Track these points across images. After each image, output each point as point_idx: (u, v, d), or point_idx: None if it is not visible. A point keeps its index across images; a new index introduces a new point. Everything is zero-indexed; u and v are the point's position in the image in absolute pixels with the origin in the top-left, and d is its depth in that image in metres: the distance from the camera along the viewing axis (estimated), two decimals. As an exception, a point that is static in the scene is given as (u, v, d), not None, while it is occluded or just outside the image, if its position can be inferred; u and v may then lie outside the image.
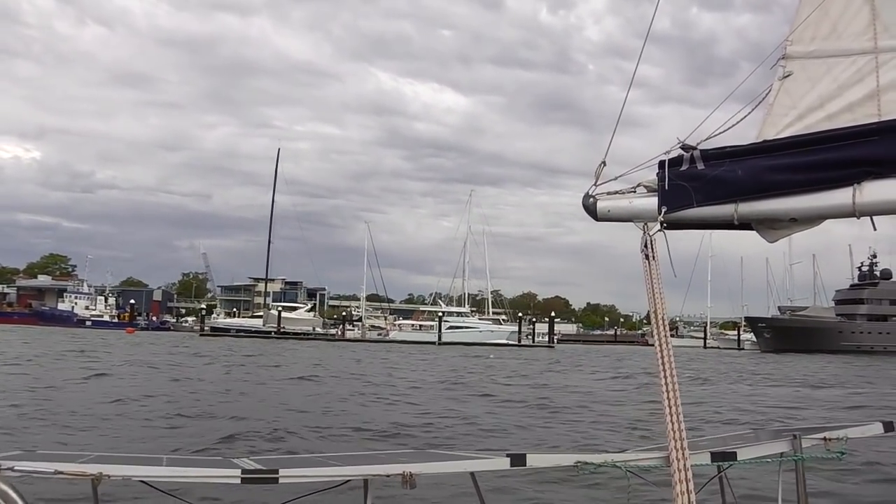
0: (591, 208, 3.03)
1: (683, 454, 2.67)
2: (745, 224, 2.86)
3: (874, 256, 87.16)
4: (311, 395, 17.79)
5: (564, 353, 62.42)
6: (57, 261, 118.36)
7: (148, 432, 11.39)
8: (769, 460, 2.96)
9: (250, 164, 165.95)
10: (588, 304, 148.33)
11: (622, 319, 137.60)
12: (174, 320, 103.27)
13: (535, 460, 2.74)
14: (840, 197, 2.60)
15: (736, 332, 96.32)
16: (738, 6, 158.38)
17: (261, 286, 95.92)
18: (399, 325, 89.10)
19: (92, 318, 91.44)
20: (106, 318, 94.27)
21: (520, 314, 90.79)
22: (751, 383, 26.77)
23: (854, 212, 2.59)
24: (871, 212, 2.60)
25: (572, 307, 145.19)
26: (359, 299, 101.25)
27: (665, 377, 2.82)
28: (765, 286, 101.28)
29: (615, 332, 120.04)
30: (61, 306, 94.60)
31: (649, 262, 2.92)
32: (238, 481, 2.42)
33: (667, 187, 2.88)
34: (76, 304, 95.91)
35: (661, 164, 2.91)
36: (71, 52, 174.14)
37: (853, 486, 7.39)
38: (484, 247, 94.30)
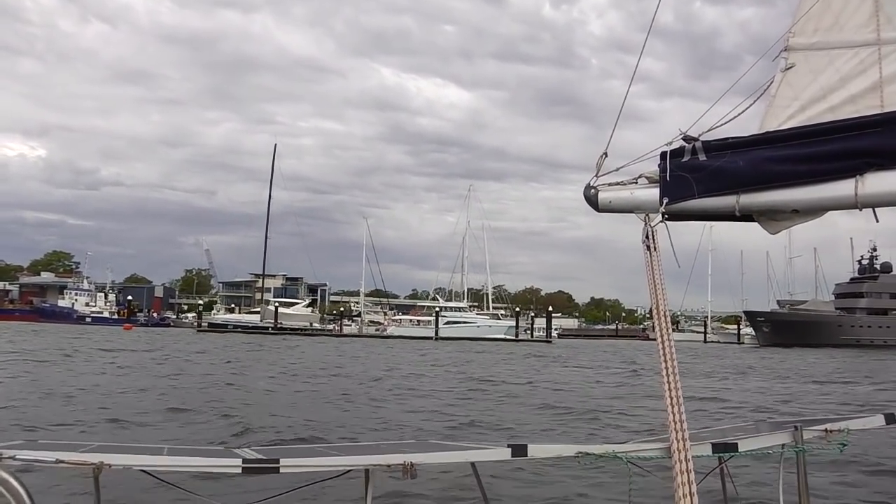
0: (592, 199, 3.03)
1: (684, 445, 2.68)
2: (746, 215, 2.86)
3: (874, 250, 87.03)
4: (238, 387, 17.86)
5: (559, 347, 62.41)
6: (60, 258, 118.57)
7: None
8: (770, 451, 2.97)
9: (253, 160, 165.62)
10: (592, 298, 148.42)
11: (623, 314, 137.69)
12: (174, 316, 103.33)
13: (536, 451, 2.74)
14: (842, 188, 2.60)
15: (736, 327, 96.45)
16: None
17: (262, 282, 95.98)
18: (398, 320, 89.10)
19: (92, 315, 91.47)
20: (106, 314, 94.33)
21: (517, 309, 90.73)
22: (722, 377, 26.43)
23: (856, 203, 2.59)
24: (874, 203, 2.61)
25: (575, 302, 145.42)
26: (357, 294, 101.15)
27: (666, 368, 2.83)
28: (765, 280, 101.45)
29: (616, 327, 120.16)
30: (61, 303, 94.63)
31: (650, 254, 2.92)
32: (239, 471, 2.43)
33: (668, 178, 2.87)
34: (76, 300, 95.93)
35: (663, 154, 2.91)
36: (73, 50, 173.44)
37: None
38: (484, 242, 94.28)
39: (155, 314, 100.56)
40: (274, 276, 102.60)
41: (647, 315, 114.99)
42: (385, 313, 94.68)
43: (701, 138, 2.89)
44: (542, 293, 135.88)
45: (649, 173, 2.98)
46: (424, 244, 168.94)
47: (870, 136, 2.57)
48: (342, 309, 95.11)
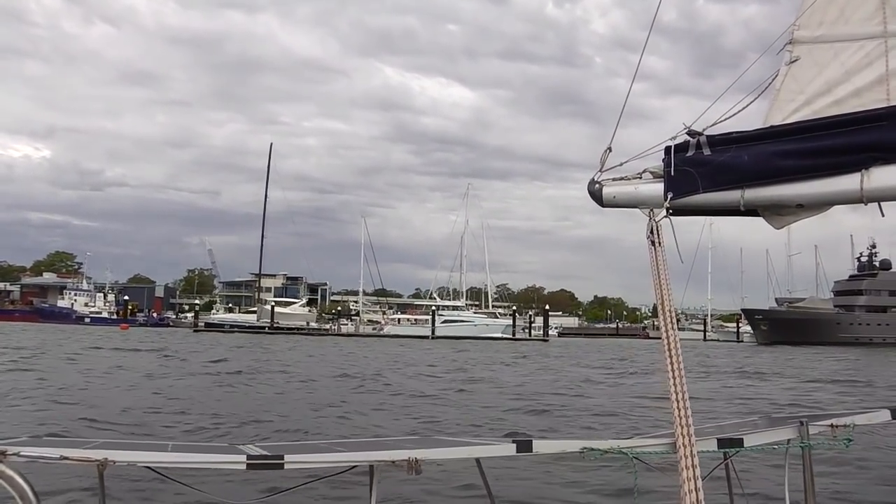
0: (596, 194, 3.02)
1: (690, 440, 2.67)
2: (751, 210, 2.85)
3: (874, 247, 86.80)
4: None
5: (554, 345, 62.07)
6: (63, 259, 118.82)
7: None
8: (775, 447, 2.96)
9: (258, 160, 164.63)
10: (595, 297, 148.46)
11: (625, 313, 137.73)
12: (174, 316, 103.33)
13: (541, 446, 2.74)
14: (848, 183, 2.58)
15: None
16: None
17: (263, 282, 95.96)
18: (396, 319, 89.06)
19: (91, 315, 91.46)
20: (105, 314, 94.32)
21: (513, 308, 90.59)
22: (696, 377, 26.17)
23: (862, 198, 2.57)
24: (879, 198, 2.59)
25: (578, 300, 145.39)
26: (363, 294, 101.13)
27: (671, 364, 2.82)
28: (766, 278, 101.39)
29: (616, 326, 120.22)
30: (60, 303, 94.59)
31: (655, 249, 2.91)
32: (244, 467, 2.42)
33: (673, 173, 2.86)
34: (75, 301, 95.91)
35: (668, 149, 2.90)
36: (78, 52, 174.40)
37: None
38: (484, 240, 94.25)
39: (155, 314, 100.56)
40: (274, 275, 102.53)
41: (650, 314, 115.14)
42: (384, 313, 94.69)
43: (705, 133, 2.88)
44: (546, 292, 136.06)
45: (653, 168, 2.96)
46: (429, 243, 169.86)
47: (875, 129, 2.55)
48: (339, 308, 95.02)
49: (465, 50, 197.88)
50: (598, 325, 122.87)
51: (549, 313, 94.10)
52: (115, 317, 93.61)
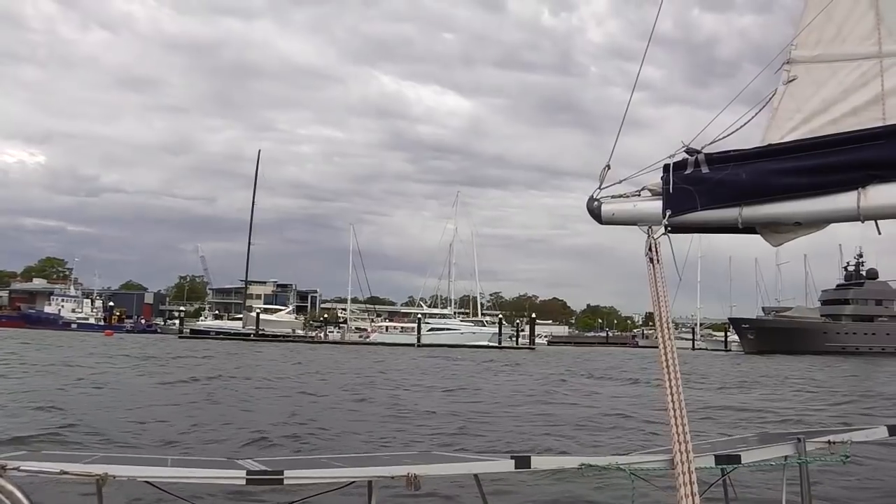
0: (595, 212, 3.03)
1: (688, 457, 2.68)
2: (749, 228, 2.87)
3: (860, 256, 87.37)
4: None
5: (538, 354, 61.65)
6: (54, 264, 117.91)
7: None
8: (773, 463, 2.97)
9: (254, 167, 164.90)
10: (588, 305, 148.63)
11: (616, 322, 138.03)
12: (163, 323, 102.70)
13: (539, 462, 2.74)
14: (845, 201, 2.61)
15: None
16: (739, 7, 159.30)
17: (252, 289, 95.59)
18: (384, 327, 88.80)
19: (78, 321, 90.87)
20: (91, 321, 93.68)
21: (500, 316, 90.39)
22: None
23: (859, 216, 2.60)
24: (876, 216, 2.62)
25: (570, 309, 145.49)
26: (354, 301, 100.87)
27: (669, 379, 2.83)
28: (754, 287, 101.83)
29: (607, 334, 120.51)
30: (48, 309, 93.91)
31: (654, 266, 2.92)
32: (243, 482, 2.42)
33: (671, 191, 2.88)
34: (62, 307, 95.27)
35: (666, 167, 2.92)
36: (75, 57, 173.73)
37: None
38: (473, 248, 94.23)
39: (143, 321, 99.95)
40: (264, 282, 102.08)
41: (642, 323, 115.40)
42: (372, 320, 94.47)
43: (703, 151, 2.90)
44: (538, 300, 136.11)
45: (652, 185, 2.98)
46: (424, 251, 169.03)
47: (872, 148, 2.58)
48: (326, 316, 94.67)
49: (462, 58, 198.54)
50: (587, 334, 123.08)
51: (541, 322, 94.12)
52: (101, 323, 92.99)
